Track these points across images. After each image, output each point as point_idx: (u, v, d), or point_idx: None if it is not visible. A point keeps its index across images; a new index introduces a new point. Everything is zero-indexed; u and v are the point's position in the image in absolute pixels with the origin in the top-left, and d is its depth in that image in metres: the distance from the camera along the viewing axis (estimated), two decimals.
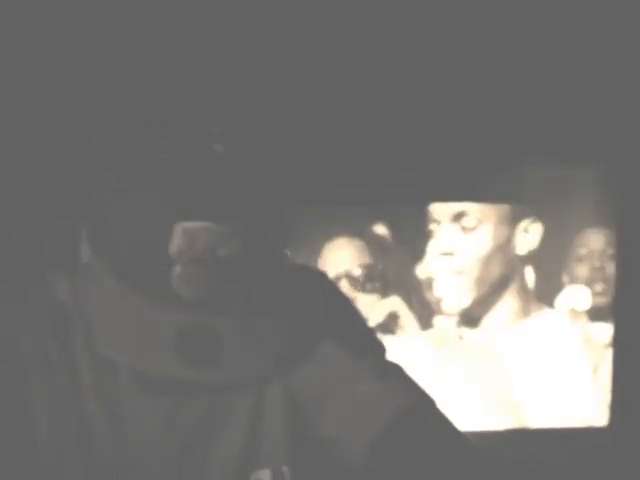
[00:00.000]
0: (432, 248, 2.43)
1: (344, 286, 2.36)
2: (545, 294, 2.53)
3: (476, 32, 2.27)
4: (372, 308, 2.40)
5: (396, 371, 1.06)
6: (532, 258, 2.51)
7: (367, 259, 2.41)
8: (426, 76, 2.28)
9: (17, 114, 1.98)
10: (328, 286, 1.13)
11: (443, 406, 1.03)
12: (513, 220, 2.48)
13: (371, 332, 1.11)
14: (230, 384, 0.98)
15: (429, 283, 2.44)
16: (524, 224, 2.48)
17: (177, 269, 0.91)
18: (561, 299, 2.51)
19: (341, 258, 2.39)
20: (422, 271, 2.44)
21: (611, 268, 2.52)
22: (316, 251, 2.37)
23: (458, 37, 2.27)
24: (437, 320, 2.46)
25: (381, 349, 1.09)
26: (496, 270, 2.48)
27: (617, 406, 2.47)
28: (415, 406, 1.01)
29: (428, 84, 2.28)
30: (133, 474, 0.98)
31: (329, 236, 2.38)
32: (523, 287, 2.52)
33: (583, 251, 2.53)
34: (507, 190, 2.43)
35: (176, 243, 0.90)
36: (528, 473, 2.23)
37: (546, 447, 2.46)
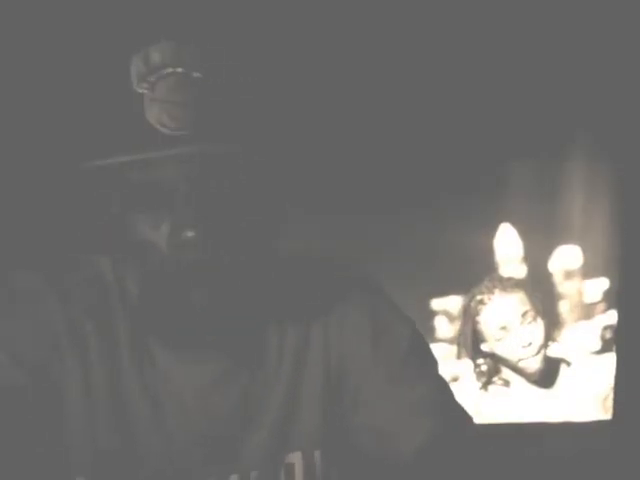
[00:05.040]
0: None
1: None
2: None
3: (474, 33, 2.29)
4: None
5: (442, 385, 1.07)
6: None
7: None
8: (424, 78, 2.29)
9: None
10: (374, 292, 1.11)
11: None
12: None
13: (424, 345, 1.10)
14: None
15: None
16: None
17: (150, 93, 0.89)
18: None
19: None
20: None
21: None
22: None
23: (457, 39, 2.29)
24: None
25: (433, 362, 1.08)
26: None
27: (621, 400, 2.48)
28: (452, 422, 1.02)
29: (426, 85, 2.30)
30: (169, 452, 0.99)
31: None
32: None
33: None
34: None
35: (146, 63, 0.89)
36: (531, 467, 2.24)
37: (550, 441, 2.46)
